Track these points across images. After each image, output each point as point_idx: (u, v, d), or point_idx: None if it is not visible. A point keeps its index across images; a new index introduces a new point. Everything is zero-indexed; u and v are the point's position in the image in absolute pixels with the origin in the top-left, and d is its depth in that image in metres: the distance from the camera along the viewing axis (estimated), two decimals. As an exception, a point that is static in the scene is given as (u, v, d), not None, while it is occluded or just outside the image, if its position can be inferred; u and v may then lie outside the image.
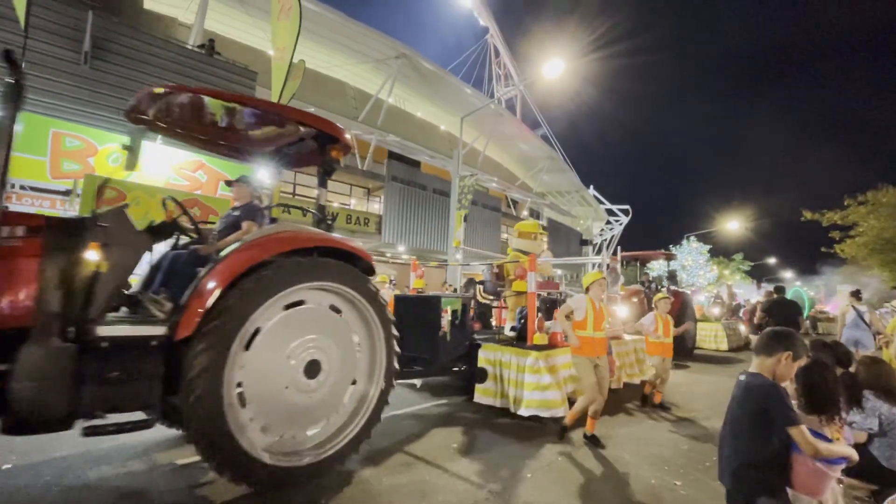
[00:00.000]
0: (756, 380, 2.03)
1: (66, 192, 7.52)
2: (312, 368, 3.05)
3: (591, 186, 35.93)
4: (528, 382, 4.72)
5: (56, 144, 7.92)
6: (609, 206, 37.46)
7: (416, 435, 4.26)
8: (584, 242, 33.73)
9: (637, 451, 4.06)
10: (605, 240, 37.83)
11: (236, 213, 3.63)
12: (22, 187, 7.44)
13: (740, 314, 15.21)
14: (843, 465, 1.94)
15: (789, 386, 2.25)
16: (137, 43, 10.89)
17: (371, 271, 3.57)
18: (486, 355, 5.30)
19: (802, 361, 2.05)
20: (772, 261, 44.42)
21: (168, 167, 8.94)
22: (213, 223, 3.90)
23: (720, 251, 39.27)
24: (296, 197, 18.44)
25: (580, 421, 4.38)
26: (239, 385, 2.77)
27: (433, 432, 4.37)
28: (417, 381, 6.07)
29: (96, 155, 8.23)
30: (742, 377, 2.11)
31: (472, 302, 7.46)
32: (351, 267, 3.32)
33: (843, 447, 1.97)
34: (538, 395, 4.64)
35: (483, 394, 5.20)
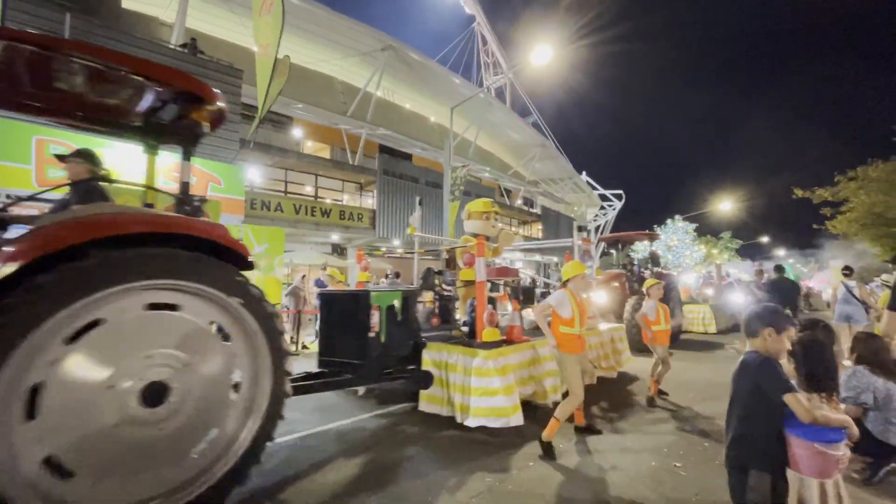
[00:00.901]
0: (750, 356, 2.08)
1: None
2: (156, 393, 2.36)
3: (584, 172, 35.97)
4: (475, 387, 4.05)
5: (40, 151, 7.78)
6: (602, 191, 37.55)
7: (331, 459, 3.55)
8: (580, 229, 33.60)
9: (635, 438, 4.11)
10: (600, 225, 37.94)
11: (69, 195, 2.99)
12: (8, 196, 7.32)
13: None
14: (843, 442, 1.96)
15: (787, 365, 2.28)
16: (117, 44, 10.68)
17: (247, 266, 2.86)
18: (432, 356, 4.61)
19: (791, 333, 2.08)
20: (764, 239, 44.82)
21: (157, 171, 8.82)
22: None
23: (708, 230, 38.46)
24: (287, 195, 18.32)
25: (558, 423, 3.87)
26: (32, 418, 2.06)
27: (352, 456, 3.61)
28: (360, 388, 5.34)
29: (82, 161, 8.09)
30: (741, 357, 2.16)
31: (432, 294, 6.88)
32: (213, 261, 2.61)
33: (840, 414, 1.99)
34: (486, 402, 3.99)
35: (429, 401, 4.55)
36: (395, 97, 24.05)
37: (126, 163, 8.54)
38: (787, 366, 2.27)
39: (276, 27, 8.40)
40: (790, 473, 1.98)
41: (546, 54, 12.31)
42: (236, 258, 2.78)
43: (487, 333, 4.59)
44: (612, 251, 12.84)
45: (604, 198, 38.13)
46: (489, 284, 5.81)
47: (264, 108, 10.25)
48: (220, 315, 2.67)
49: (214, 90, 2.92)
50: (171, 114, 3.02)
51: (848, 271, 7.55)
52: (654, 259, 11.34)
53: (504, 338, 4.78)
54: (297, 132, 21.05)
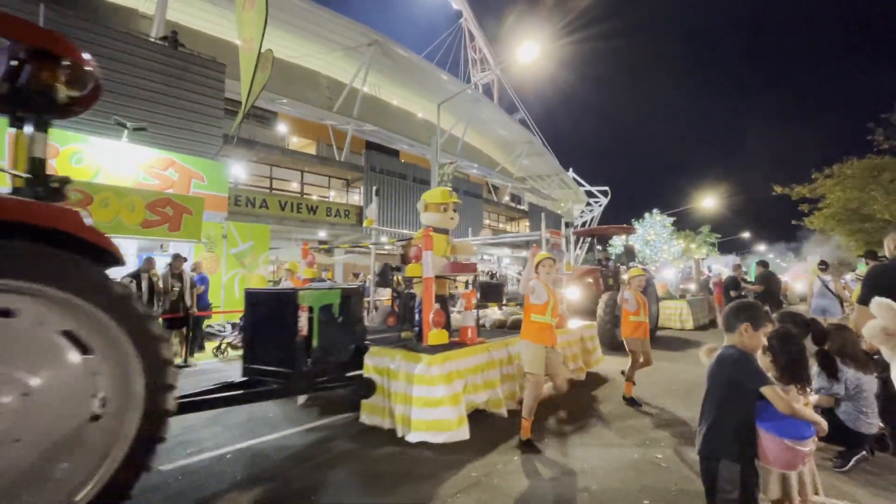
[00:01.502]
0: (726, 351, 2.13)
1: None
2: None
3: (571, 169, 36.24)
4: (417, 397, 3.63)
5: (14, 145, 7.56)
6: (588, 187, 37.88)
7: (233, 487, 3.00)
8: (567, 225, 33.64)
9: (615, 435, 4.17)
10: (586, 221, 38.32)
11: None
12: (-20, 193, 7.11)
13: (710, 287, 14.10)
14: (813, 438, 2.03)
15: (762, 358, 2.34)
16: (95, 37, 10.40)
17: (112, 260, 2.39)
18: (374, 362, 4.16)
19: (767, 329, 2.13)
20: (745, 235, 45.73)
21: (136, 167, 8.66)
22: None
23: (688, 224, 37.87)
24: (273, 191, 18.10)
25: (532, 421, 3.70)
26: None
27: (261, 482, 3.09)
28: (301, 397, 4.80)
29: (58, 156, 7.89)
30: (717, 351, 2.20)
31: (391, 292, 6.64)
32: (61, 255, 2.10)
33: (813, 413, 2.07)
34: (428, 414, 3.59)
35: (370, 413, 4.11)
36: (382, 93, 23.89)
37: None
38: (762, 359, 2.34)
39: (260, 21, 8.28)
40: (758, 464, 2.05)
41: (533, 51, 12.36)
42: (96, 251, 2.27)
43: (434, 336, 4.16)
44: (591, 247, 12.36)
45: (590, 194, 38.49)
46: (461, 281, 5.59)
47: (248, 102, 10.11)
48: (74, 322, 2.14)
49: (74, 45, 2.43)
50: (24, 75, 2.38)
51: (823, 266, 7.77)
52: (629, 253, 11.05)
53: (456, 340, 4.42)
54: (282, 127, 20.78)
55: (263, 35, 8.58)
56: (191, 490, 2.96)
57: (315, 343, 3.77)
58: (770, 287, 8.44)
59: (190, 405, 3.05)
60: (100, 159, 8.28)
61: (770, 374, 2.20)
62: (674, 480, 3.08)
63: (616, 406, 4.94)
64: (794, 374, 2.29)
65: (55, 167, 7.70)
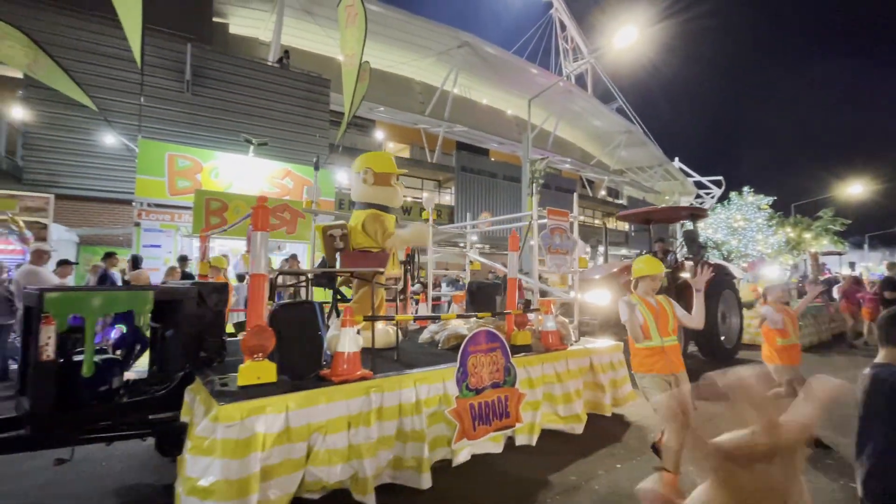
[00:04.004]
0: (885, 371, 1.79)
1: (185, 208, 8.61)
2: None
3: (677, 158, 33.14)
4: (186, 477, 2.17)
5: (171, 165, 9.09)
6: (698, 178, 34.31)
7: None
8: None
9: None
10: (695, 215, 34.69)
11: None
12: (148, 205, 8.68)
13: (833, 294, 10.38)
14: None
15: None
16: (227, 66, 12.09)
17: None
18: (191, 399, 2.73)
19: None
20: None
21: (261, 178, 9.85)
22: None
23: (804, 210, 27.04)
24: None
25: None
26: None
27: None
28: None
29: (202, 171, 9.31)
30: (867, 370, 1.87)
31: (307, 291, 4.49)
32: None
33: None
34: None
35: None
36: (472, 93, 24.16)
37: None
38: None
39: (360, 36, 8.90)
40: None
41: (630, 35, 11.54)
42: None
43: (247, 370, 2.53)
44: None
45: (700, 185, 34.81)
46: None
47: (350, 113, 10.90)
48: None
49: None
50: None
51: None
52: (689, 241, 7.73)
53: (326, 372, 2.74)
54: (379, 134, 22.09)
55: (363, 48, 9.21)
56: None
57: (85, 371, 2.47)
58: None
59: None
60: (232, 172, 9.59)
61: None
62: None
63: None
64: None
65: (200, 181, 9.07)
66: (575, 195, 5.44)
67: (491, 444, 3.17)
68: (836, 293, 10.06)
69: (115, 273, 6.92)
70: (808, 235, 25.89)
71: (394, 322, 3.89)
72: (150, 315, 2.77)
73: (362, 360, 2.89)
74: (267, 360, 2.60)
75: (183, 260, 7.24)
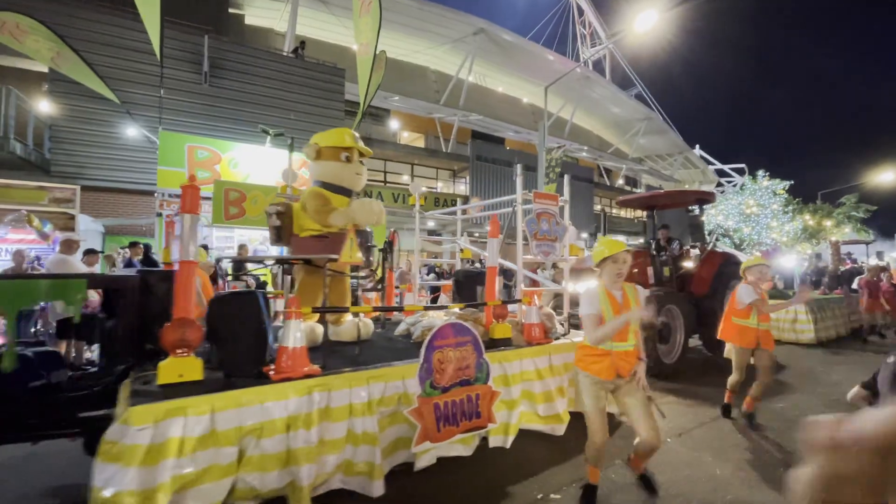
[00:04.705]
0: None
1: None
2: None
3: (697, 146, 32.30)
4: (94, 487, 1.91)
5: (191, 156, 9.26)
6: (719, 165, 33.42)
7: None
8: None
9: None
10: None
11: None
12: (169, 195, 8.87)
13: (855, 285, 9.58)
14: None
15: None
16: (243, 57, 12.18)
17: None
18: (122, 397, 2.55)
19: None
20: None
21: (278, 168, 9.96)
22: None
23: (829, 196, 25.46)
24: (387, 185, 19.37)
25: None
26: None
27: None
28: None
29: (220, 162, 9.46)
30: (891, 358, 1.83)
31: (250, 286, 4.79)
32: None
33: None
34: None
35: None
36: (488, 81, 23.87)
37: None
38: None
39: (375, 25, 8.85)
40: None
41: (650, 18, 11.21)
42: None
43: (168, 368, 2.32)
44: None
45: (721, 173, 33.91)
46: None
47: (365, 102, 10.89)
48: None
49: None
50: None
51: None
52: (693, 227, 8.11)
53: (270, 368, 2.55)
54: (393, 124, 22.05)
55: (378, 37, 9.16)
56: None
57: (6, 364, 2.36)
58: None
59: None
60: (250, 163, 9.72)
61: None
62: None
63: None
64: None
65: (219, 171, 9.23)
66: (566, 177, 5.03)
67: (460, 446, 2.95)
68: (856, 284, 9.39)
69: (137, 262, 7.04)
70: (828, 223, 24.51)
71: (369, 314, 3.65)
72: (81, 304, 2.58)
73: (327, 356, 2.80)
74: (193, 356, 2.38)
75: (205, 248, 7.34)
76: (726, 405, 4.05)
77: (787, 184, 23.79)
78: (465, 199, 19.44)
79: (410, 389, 2.77)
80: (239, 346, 2.54)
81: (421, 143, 21.99)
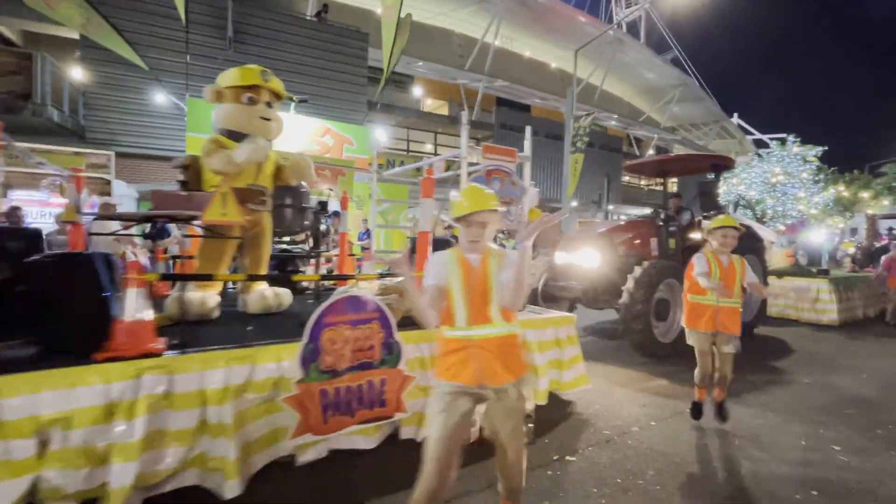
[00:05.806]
0: None
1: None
2: None
3: (736, 115, 30.64)
4: None
5: (217, 123, 9.37)
6: (758, 135, 31.71)
7: None
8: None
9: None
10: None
11: None
12: (198, 162, 9.08)
13: (880, 263, 8.64)
14: None
15: None
16: (267, 21, 12.04)
17: None
18: None
19: None
20: None
21: (303, 136, 9.99)
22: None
23: (855, 162, 23.43)
24: (409, 153, 19.23)
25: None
26: None
27: None
28: None
29: (247, 129, 9.55)
30: None
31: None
32: None
33: None
34: None
35: None
36: (514, 45, 22.96)
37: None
38: None
39: (399, -14, 8.57)
40: None
41: (694, -27, 10.43)
42: None
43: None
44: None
45: (760, 144, 32.21)
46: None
47: (389, 68, 10.71)
48: None
49: None
50: None
51: None
52: (704, 196, 6.76)
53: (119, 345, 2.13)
54: (417, 91, 21.63)
55: (402, 0, 8.90)
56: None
57: None
58: None
59: None
60: (275, 130, 9.77)
61: None
62: (856, 478, 2.62)
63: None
64: None
65: (245, 139, 9.32)
66: (528, 128, 4.42)
67: (360, 437, 2.56)
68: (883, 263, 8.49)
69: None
70: (865, 194, 22.57)
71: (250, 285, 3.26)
72: None
73: (199, 332, 2.47)
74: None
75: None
76: (696, 403, 3.29)
77: (819, 150, 20.91)
78: (489, 169, 19.16)
79: (287, 373, 2.34)
80: (65, 321, 2.12)
81: (444, 111, 21.58)
